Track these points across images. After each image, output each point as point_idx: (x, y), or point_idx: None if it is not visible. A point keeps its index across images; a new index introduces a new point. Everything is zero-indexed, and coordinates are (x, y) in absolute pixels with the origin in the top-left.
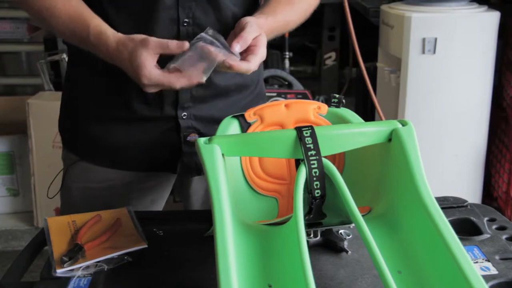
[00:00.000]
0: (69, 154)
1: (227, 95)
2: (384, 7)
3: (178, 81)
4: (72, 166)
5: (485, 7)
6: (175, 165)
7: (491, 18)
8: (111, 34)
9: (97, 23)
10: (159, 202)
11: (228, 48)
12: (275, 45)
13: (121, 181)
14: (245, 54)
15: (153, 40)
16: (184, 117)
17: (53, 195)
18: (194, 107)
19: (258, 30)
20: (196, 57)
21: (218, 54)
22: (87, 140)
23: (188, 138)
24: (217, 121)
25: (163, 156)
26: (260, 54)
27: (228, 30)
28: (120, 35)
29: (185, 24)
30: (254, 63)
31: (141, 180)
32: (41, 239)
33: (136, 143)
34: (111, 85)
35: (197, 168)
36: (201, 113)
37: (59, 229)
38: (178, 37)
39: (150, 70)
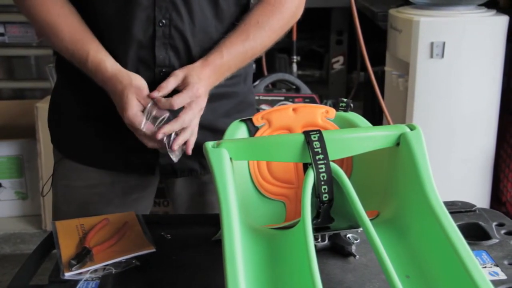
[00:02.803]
0: (56, 151)
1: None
2: (392, 11)
3: (148, 141)
4: (58, 163)
5: (493, 11)
6: (152, 167)
7: (500, 22)
8: (109, 65)
9: (96, 49)
10: (143, 201)
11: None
12: (283, 49)
13: (102, 180)
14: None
15: (145, 91)
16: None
17: (45, 193)
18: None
19: (184, 71)
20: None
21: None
22: (69, 137)
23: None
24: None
25: (141, 158)
26: (187, 92)
27: (203, 33)
28: (117, 68)
29: (161, 24)
30: (177, 100)
31: (122, 179)
32: (50, 243)
33: (120, 143)
34: (92, 85)
35: (174, 171)
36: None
37: (67, 232)
38: (154, 37)
39: (134, 114)
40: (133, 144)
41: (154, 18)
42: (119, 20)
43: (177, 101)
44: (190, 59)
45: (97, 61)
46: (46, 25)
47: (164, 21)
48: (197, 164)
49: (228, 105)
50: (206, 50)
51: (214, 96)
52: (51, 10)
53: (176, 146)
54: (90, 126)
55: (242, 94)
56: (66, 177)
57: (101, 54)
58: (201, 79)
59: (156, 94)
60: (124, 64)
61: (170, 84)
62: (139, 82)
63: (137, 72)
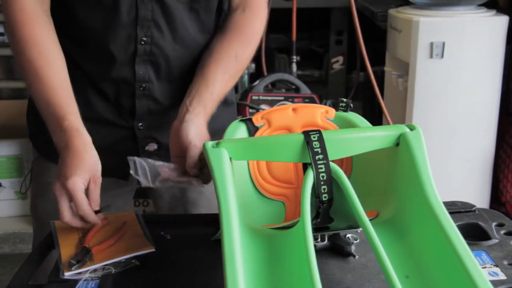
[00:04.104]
0: (33, 148)
1: None
2: (392, 11)
3: (73, 220)
4: (35, 161)
5: (493, 12)
6: (127, 173)
7: (500, 23)
8: (85, 133)
9: (75, 115)
10: (124, 196)
11: (169, 166)
12: (283, 49)
13: None
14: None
15: (96, 187)
16: (141, 127)
17: (25, 190)
18: (152, 118)
19: (201, 141)
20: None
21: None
22: (45, 136)
23: (147, 148)
24: None
25: (118, 163)
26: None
27: (184, 48)
28: (89, 140)
29: (143, 42)
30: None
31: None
32: (49, 242)
33: (96, 145)
34: (73, 84)
35: None
36: (159, 123)
37: (67, 232)
38: (135, 55)
39: (76, 189)
40: (111, 148)
41: (136, 36)
42: (100, 37)
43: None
44: (169, 74)
45: (76, 126)
46: (33, 69)
47: (145, 38)
48: None
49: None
50: (185, 63)
51: None
52: (42, 56)
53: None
54: None
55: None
56: (42, 174)
57: (79, 121)
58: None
59: (192, 172)
60: (104, 81)
61: (197, 161)
62: (97, 170)
63: (117, 88)
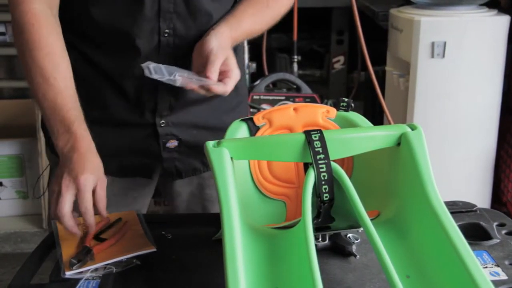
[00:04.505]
0: (52, 155)
1: (205, 101)
2: (393, 11)
3: (68, 222)
4: (55, 166)
5: (495, 11)
6: (151, 171)
7: (501, 22)
8: (91, 137)
9: (80, 123)
10: (142, 199)
11: (189, 72)
12: (284, 48)
13: None
14: (220, 77)
15: (103, 190)
16: (162, 125)
17: (41, 194)
18: (173, 114)
19: (223, 52)
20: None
21: (192, 83)
22: None
23: (168, 145)
24: (196, 127)
25: (140, 162)
26: (234, 76)
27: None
28: (94, 146)
29: (166, 34)
30: (230, 85)
31: (122, 180)
32: (50, 242)
33: (115, 147)
34: (90, 89)
35: (179, 172)
36: (179, 120)
37: (68, 232)
38: (158, 47)
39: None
40: (132, 148)
41: (159, 29)
42: (125, 33)
43: (229, 89)
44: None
45: (83, 130)
46: (40, 71)
47: (168, 31)
48: (199, 163)
49: (229, 101)
50: None
51: (213, 96)
52: (49, 59)
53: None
54: (91, 130)
55: (240, 91)
56: None
57: (85, 125)
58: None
59: (215, 76)
60: (126, 78)
61: (218, 62)
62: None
63: (139, 84)
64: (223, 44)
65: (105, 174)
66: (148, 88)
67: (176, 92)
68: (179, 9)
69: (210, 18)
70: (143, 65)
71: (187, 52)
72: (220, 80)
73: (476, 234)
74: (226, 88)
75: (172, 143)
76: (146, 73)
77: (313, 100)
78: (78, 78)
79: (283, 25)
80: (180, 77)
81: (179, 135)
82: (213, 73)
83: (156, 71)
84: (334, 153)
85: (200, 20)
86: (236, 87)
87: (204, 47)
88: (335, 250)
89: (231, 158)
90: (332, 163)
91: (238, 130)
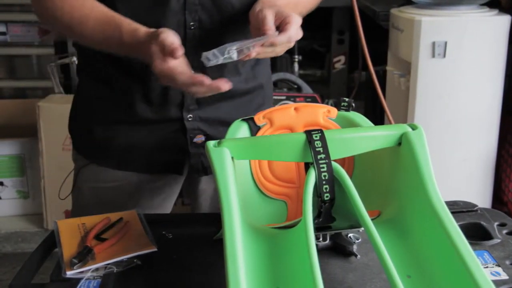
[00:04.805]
0: (79, 156)
1: (232, 98)
2: (394, 11)
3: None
4: (83, 168)
5: (495, 11)
6: (181, 166)
7: (502, 22)
8: (143, 30)
9: (127, 22)
10: (169, 201)
11: (240, 42)
12: None
13: (130, 182)
14: (280, 29)
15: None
16: (189, 119)
17: (64, 196)
18: (200, 109)
19: (271, 8)
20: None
21: (254, 43)
22: (95, 142)
23: (195, 140)
24: (223, 123)
25: (169, 158)
26: (294, 20)
27: (231, 31)
28: (151, 30)
29: (192, 27)
30: (293, 29)
31: (150, 180)
32: (51, 242)
33: (143, 145)
34: (116, 90)
35: (204, 169)
36: (206, 115)
37: (69, 231)
38: (185, 40)
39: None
40: (160, 144)
41: (185, 22)
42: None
43: (293, 33)
44: None
45: (132, 29)
46: (75, 20)
47: (193, 23)
48: None
49: (255, 100)
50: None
51: (246, 91)
52: (75, 5)
53: (254, 53)
54: (118, 130)
55: (267, 88)
56: (93, 180)
57: (134, 24)
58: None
59: (269, 30)
60: (153, 73)
61: (271, 21)
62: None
63: None
64: (268, 3)
65: (135, 171)
66: None
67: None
68: (203, 1)
69: (234, 9)
70: (202, 58)
71: (212, 44)
72: (281, 31)
73: (477, 234)
74: (288, 33)
75: (199, 138)
76: (206, 63)
77: (314, 100)
78: (103, 81)
79: None
80: (234, 51)
81: (206, 131)
82: (268, 26)
83: (210, 58)
84: (335, 153)
85: (224, 11)
86: (262, 85)
87: (253, 16)
88: (336, 250)
89: (232, 158)
90: (333, 163)
91: (239, 129)
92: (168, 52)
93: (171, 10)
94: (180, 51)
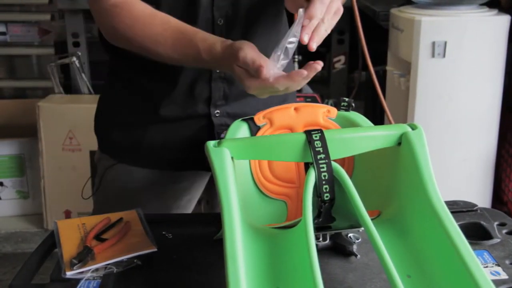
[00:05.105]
0: (106, 156)
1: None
2: (394, 11)
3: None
4: (110, 168)
5: (495, 11)
6: (206, 163)
7: (501, 22)
8: (219, 45)
9: (202, 37)
10: (193, 202)
11: (289, 33)
12: None
13: (156, 181)
14: None
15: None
16: (217, 115)
17: (87, 196)
18: (227, 104)
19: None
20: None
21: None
22: (121, 144)
23: (222, 135)
24: None
25: (197, 154)
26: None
27: (257, 25)
28: (227, 43)
29: (219, 23)
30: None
31: (177, 180)
32: (51, 242)
33: (171, 143)
34: (144, 89)
35: None
36: (234, 110)
37: (69, 231)
38: None
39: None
40: (188, 140)
41: (213, 18)
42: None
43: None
44: None
45: (208, 46)
46: (147, 39)
47: (221, 19)
48: None
49: (280, 96)
50: (261, 41)
51: None
52: (145, 22)
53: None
54: (146, 129)
55: None
56: (120, 179)
57: (209, 39)
58: None
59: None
60: (182, 70)
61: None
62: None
63: (195, 75)
64: None
65: (163, 169)
66: (203, 78)
67: (230, 79)
68: None
69: (260, 5)
70: (274, 59)
71: (239, 39)
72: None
73: (476, 233)
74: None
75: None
76: (280, 70)
77: (314, 100)
78: (132, 82)
79: None
80: (291, 41)
81: None
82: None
83: (275, 58)
84: (335, 152)
85: (249, 7)
86: None
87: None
88: (336, 249)
89: (232, 158)
90: (333, 163)
91: (239, 129)
92: (254, 73)
93: (201, 7)
94: (265, 68)
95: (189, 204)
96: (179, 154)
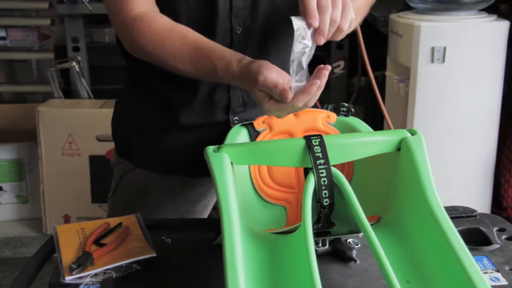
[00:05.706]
0: (123, 160)
1: None
2: (393, 16)
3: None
4: (128, 172)
5: (494, 16)
6: None
7: (501, 27)
8: (235, 64)
9: (219, 54)
10: (208, 208)
11: (295, 41)
12: None
13: (174, 186)
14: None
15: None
16: (235, 122)
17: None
18: (245, 111)
19: None
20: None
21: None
22: (140, 149)
23: None
24: None
25: None
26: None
27: (275, 32)
28: (243, 63)
29: (238, 31)
30: None
31: (194, 185)
32: (50, 246)
33: (189, 149)
34: (163, 97)
35: None
36: (252, 116)
37: (68, 236)
38: (231, 44)
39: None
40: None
41: (231, 26)
42: (203, 32)
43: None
44: (266, 59)
45: (224, 64)
46: (165, 53)
47: (239, 27)
48: None
49: None
50: (279, 49)
51: None
52: (164, 36)
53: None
54: (164, 136)
55: None
56: (137, 184)
57: (226, 56)
58: None
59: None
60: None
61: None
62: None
63: (214, 83)
64: None
65: (182, 175)
66: (222, 85)
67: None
68: (248, 4)
69: (278, 11)
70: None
71: (257, 48)
72: None
73: (476, 239)
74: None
75: None
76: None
77: (313, 105)
78: (150, 89)
79: None
80: (300, 50)
81: None
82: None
83: (291, 73)
84: (334, 158)
85: (267, 14)
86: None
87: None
88: (335, 255)
89: (231, 163)
90: (332, 168)
91: (238, 135)
92: (278, 97)
93: (220, 16)
94: (289, 91)
95: (204, 210)
96: (197, 160)
